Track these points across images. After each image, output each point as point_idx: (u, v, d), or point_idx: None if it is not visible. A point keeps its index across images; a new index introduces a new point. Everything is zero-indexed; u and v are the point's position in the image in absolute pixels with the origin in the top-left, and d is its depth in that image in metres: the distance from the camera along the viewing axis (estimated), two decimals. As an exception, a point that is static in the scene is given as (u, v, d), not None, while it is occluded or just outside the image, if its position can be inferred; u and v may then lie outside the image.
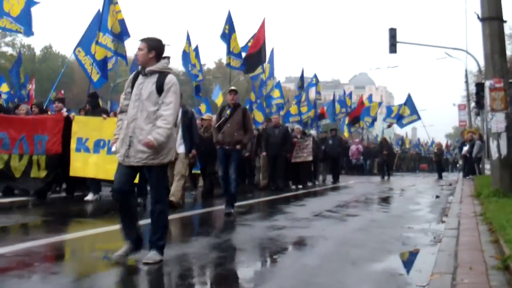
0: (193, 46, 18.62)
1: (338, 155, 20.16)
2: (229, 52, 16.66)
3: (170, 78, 4.74)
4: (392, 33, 21.56)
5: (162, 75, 4.75)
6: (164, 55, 4.89)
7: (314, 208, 9.86)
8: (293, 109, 24.12)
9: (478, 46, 20.91)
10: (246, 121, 8.45)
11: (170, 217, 5.37)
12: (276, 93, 23.06)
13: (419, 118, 26.98)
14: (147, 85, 4.74)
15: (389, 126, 31.78)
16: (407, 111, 26.65)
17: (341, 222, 8.08)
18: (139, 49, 4.79)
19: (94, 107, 10.52)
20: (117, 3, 12.43)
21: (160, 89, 4.69)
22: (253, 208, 10.27)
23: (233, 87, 9.09)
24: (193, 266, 4.83)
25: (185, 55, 18.22)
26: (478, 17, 10.54)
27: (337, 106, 29.27)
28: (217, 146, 8.42)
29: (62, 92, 23.51)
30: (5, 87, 20.45)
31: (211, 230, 7.20)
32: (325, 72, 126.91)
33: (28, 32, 11.89)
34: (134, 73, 4.99)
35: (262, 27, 17.61)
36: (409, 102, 26.83)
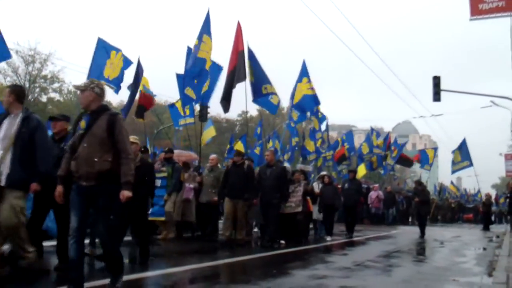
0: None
1: (355, 203, 16.08)
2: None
3: None
4: (436, 81, 21.38)
5: None
6: None
7: (356, 257, 9.69)
8: (309, 145, 21.80)
9: (524, 95, 20.65)
10: (117, 133, 4.77)
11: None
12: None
13: (471, 165, 25.86)
14: None
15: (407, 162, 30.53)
16: (459, 157, 25.84)
17: (384, 273, 7.90)
18: None
19: None
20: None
21: None
22: (292, 256, 10.12)
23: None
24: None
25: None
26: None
27: (364, 145, 27.68)
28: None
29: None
30: None
31: (249, 279, 7.10)
32: (368, 120, 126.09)
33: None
34: None
35: (238, 33, 13.45)
36: (463, 147, 26.02)
